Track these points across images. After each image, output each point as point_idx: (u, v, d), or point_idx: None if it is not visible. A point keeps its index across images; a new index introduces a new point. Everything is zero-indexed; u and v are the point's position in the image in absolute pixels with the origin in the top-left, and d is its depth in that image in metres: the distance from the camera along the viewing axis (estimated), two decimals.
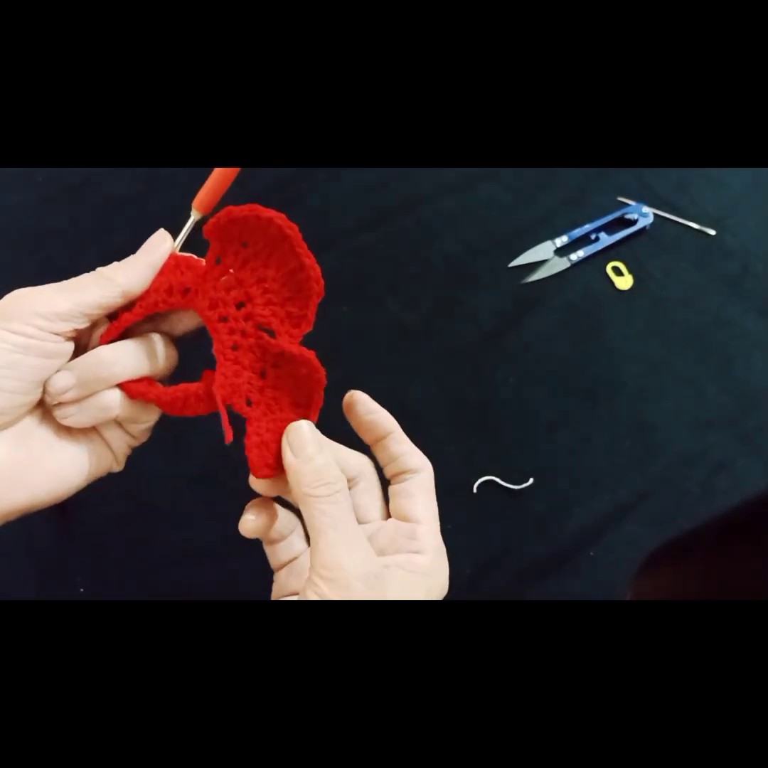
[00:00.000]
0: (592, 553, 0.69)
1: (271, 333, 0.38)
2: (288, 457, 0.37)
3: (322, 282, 0.38)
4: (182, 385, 0.38)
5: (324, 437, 0.38)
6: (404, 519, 0.40)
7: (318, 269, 0.38)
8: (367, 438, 0.42)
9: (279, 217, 0.36)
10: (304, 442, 0.37)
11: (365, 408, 0.41)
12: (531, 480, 0.71)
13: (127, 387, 0.37)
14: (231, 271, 0.37)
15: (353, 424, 0.42)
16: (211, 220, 0.37)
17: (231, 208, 0.36)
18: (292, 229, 0.37)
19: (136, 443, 0.40)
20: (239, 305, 0.37)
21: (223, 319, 0.37)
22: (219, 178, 0.39)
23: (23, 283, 0.36)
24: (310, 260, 0.37)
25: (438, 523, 0.41)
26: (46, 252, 0.80)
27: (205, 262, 0.38)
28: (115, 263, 0.37)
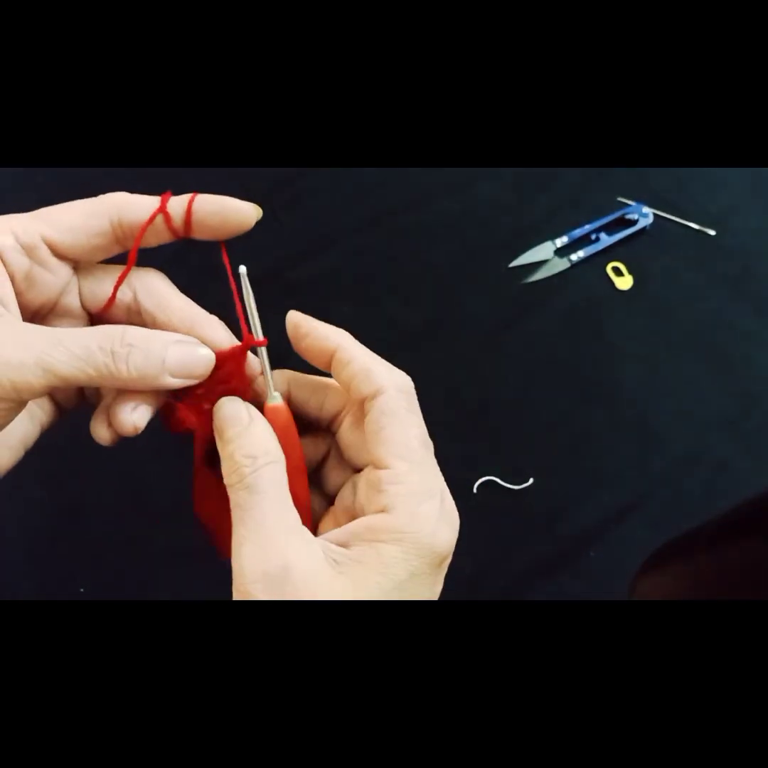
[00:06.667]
0: (592, 553, 0.69)
1: None
2: (216, 441, 0.33)
3: None
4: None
5: (254, 409, 0.33)
6: (374, 464, 0.31)
7: None
8: (318, 365, 0.34)
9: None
10: (225, 425, 0.32)
11: (295, 334, 0.34)
12: (531, 480, 0.71)
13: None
14: None
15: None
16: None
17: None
18: None
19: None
20: None
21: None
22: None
23: None
24: None
25: (423, 452, 0.32)
26: None
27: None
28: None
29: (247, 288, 0.34)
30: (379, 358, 0.33)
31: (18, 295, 0.31)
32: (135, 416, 0.32)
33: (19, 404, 0.30)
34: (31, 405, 0.35)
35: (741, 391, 0.78)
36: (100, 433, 0.34)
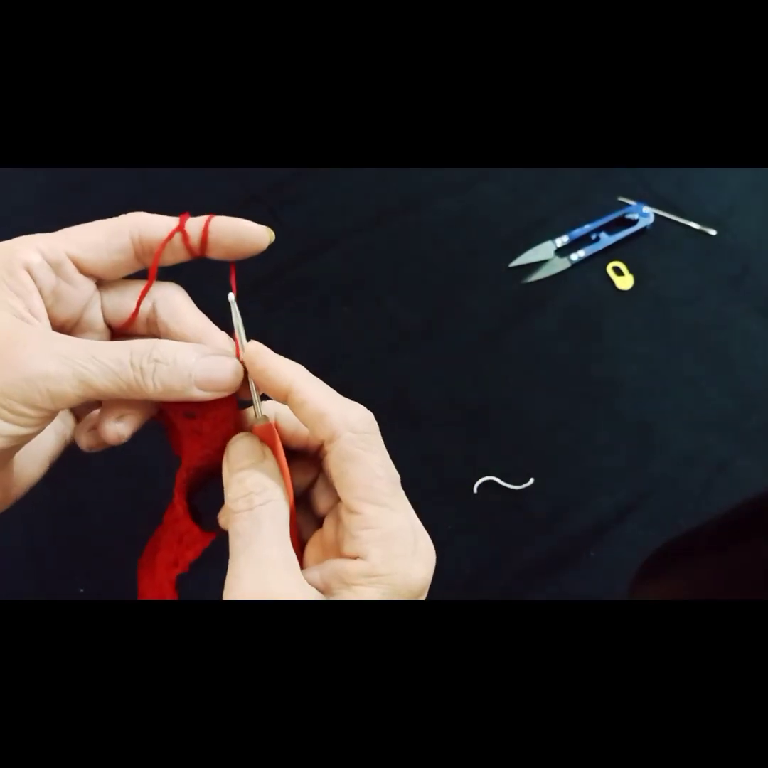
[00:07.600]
0: (592, 553, 0.69)
1: None
2: (223, 471, 0.33)
3: None
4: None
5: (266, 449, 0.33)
6: (344, 507, 0.31)
7: None
8: (278, 400, 0.33)
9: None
10: (239, 456, 0.33)
11: (251, 369, 0.33)
12: (531, 480, 0.71)
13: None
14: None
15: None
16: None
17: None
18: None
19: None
20: None
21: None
22: None
23: None
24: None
25: (390, 490, 0.31)
26: None
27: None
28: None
29: (236, 314, 0.34)
30: (334, 394, 0.32)
31: (46, 310, 0.32)
32: (119, 425, 0.33)
33: (52, 414, 0.30)
34: (56, 419, 0.35)
35: (741, 391, 0.78)
36: (82, 438, 0.34)
